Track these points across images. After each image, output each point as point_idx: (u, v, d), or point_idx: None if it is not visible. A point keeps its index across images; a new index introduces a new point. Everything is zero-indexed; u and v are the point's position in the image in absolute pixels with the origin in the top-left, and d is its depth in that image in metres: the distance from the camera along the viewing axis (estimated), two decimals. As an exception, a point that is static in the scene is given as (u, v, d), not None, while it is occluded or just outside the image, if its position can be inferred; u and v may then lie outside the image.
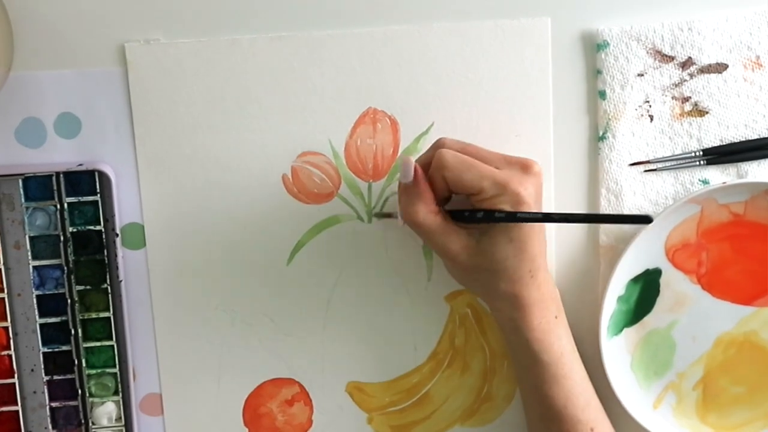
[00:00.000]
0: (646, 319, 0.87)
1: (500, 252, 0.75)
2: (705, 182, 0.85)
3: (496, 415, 0.89)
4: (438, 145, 0.77)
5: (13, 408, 0.86)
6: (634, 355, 0.87)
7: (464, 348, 0.88)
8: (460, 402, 0.89)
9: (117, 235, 0.84)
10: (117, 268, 0.85)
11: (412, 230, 0.78)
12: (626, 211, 0.85)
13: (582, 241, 0.86)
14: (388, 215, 0.85)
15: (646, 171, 0.85)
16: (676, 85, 0.83)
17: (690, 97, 0.84)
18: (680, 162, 0.84)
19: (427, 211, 0.75)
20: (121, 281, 0.85)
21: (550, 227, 0.85)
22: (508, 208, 0.73)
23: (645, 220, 0.68)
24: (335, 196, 0.85)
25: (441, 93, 0.83)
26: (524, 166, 0.75)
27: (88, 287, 0.84)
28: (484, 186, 0.73)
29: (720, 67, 0.83)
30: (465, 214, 0.76)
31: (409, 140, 0.84)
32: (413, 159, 0.75)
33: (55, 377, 0.86)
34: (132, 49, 0.82)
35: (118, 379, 0.86)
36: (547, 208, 0.85)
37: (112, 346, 0.86)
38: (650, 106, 0.84)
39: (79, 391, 0.86)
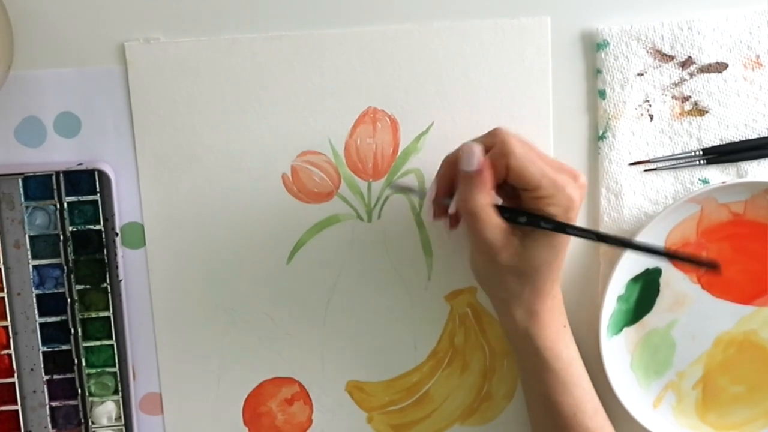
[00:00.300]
0: (646, 318, 0.87)
1: (540, 256, 0.74)
2: (705, 182, 0.85)
3: (495, 414, 0.89)
4: (497, 133, 0.74)
5: (12, 407, 0.86)
6: (634, 354, 0.87)
7: (464, 347, 0.88)
8: (460, 401, 0.89)
9: (117, 234, 0.84)
10: (117, 267, 0.85)
11: (431, 217, 0.79)
12: (626, 211, 0.85)
13: (582, 241, 0.86)
14: (408, 190, 0.84)
15: (646, 170, 0.85)
16: (676, 85, 0.83)
17: (690, 97, 0.84)
18: (680, 161, 0.84)
19: (487, 202, 0.73)
20: (120, 280, 0.85)
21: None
22: (559, 210, 0.72)
23: (712, 266, 0.67)
24: (335, 195, 0.85)
25: (441, 92, 0.83)
26: (574, 176, 0.74)
27: (87, 286, 0.84)
28: (543, 183, 0.72)
29: (720, 67, 0.83)
30: (521, 218, 0.74)
31: (409, 140, 0.84)
32: (477, 146, 0.72)
33: (55, 376, 0.86)
34: (132, 48, 0.82)
35: (118, 379, 0.86)
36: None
37: (112, 345, 0.86)
38: (650, 105, 0.84)
39: (79, 391, 0.86)
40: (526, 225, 0.74)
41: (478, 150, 0.72)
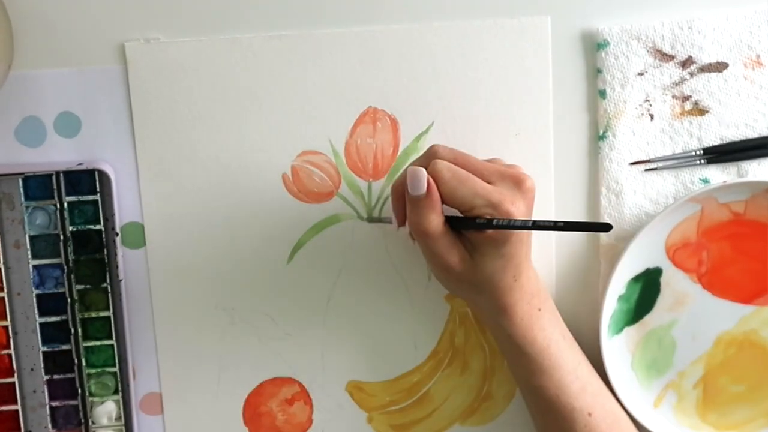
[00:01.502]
0: (646, 318, 0.87)
1: (489, 266, 0.75)
2: (705, 181, 0.85)
3: (496, 414, 0.89)
4: (430, 153, 0.75)
5: (12, 407, 0.86)
6: (635, 354, 0.87)
7: (464, 347, 0.88)
8: (460, 401, 0.89)
9: (117, 234, 0.84)
10: (117, 267, 0.85)
11: (406, 234, 0.79)
12: (626, 211, 0.85)
13: (582, 241, 0.86)
14: (381, 220, 0.85)
15: (646, 170, 0.85)
16: (676, 84, 0.83)
17: (690, 96, 0.84)
18: (680, 161, 0.84)
19: (438, 222, 0.74)
20: (121, 280, 0.85)
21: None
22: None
23: (604, 228, 0.67)
24: (335, 195, 0.85)
25: (441, 92, 0.83)
26: (517, 182, 0.74)
27: (87, 286, 0.84)
28: (476, 203, 0.72)
29: (720, 66, 0.83)
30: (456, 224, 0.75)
31: (409, 139, 0.84)
32: (423, 171, 0.73)
33: (55, 376, 0.86)
34: (132, 48, 0.82)
35: (118, 379, 0.86)
36: (547, 207, 0.85)
37: (112, 345, 0.86)
38: (650, 105, 0.84)
39: (79, 391, 0.86)
40: (464, 229, 0.75)
41: (422, 174, 0.73)
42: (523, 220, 0.72)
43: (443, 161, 0.74)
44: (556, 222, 0.70)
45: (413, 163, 0.76)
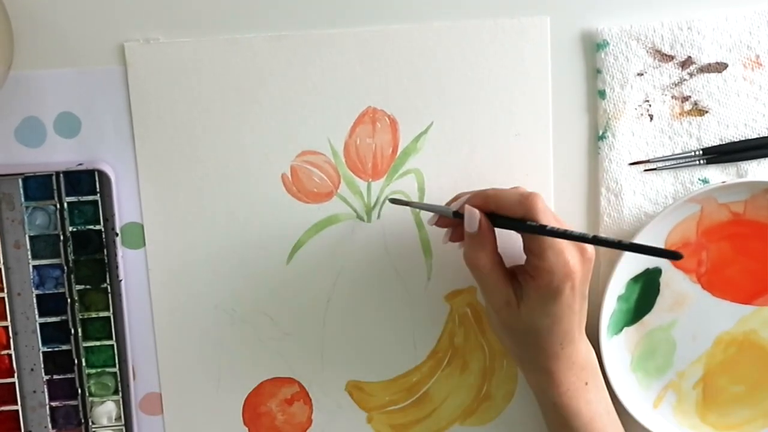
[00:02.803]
0: (646, 318, 0.87)
1: (536, 322, 0.75)
2: (705, 181, 0.85)
3: (495, 414, 0.89)
4: (533, 203, 0.73)
5: (12, 407, 0.86)
6: (634, 354, 0.87)
7: (464, 347, 0.88)
8: (460, 401, 0.89)
9: (117, 234, 0.84)
10: (117, 267, 0.85)
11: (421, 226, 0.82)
12: (626, 211, 0.85)
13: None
14: (407, 203, 0.84)
15: (645, 170, 0.85)
16: (675, 85, 0.83)
17: (690, 97, 0.84)
18: (680, 161, 0.84)
19: (486, 261, 0.75)
20: (120, 281, 0.85)
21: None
22: (556, 280, 0.73)
23: (674, 256, 0.67)
24: (334, 195, 0.85)
25: (440, 92, 0.83)
26: (581, 249, 0.74)
27: (87, 287, 0.84)
28: (548, 255, 0.72)
29: (720, 67, 0.83)
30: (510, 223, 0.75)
31: (408, 139, 0.84)
32: (476, 211, 0.74)
33: (55, 377, 0.86)
34: (131, 48, 0.82)
35: (118, 379, 0.86)
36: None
37: (112, 345, 0.86)
38: (650, 105, 0.84)
39: (79, 391, 0.86)
40: (513, 230, 0.75)
41: (477, 215, 0.74)
42: (582, 233, 0.71)
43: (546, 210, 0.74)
44: (620, 240, 0.69)
45: (510, 192, 0.76)
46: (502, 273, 0.76)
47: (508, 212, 0.74)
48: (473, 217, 0.74)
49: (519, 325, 0.76)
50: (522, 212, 0.73)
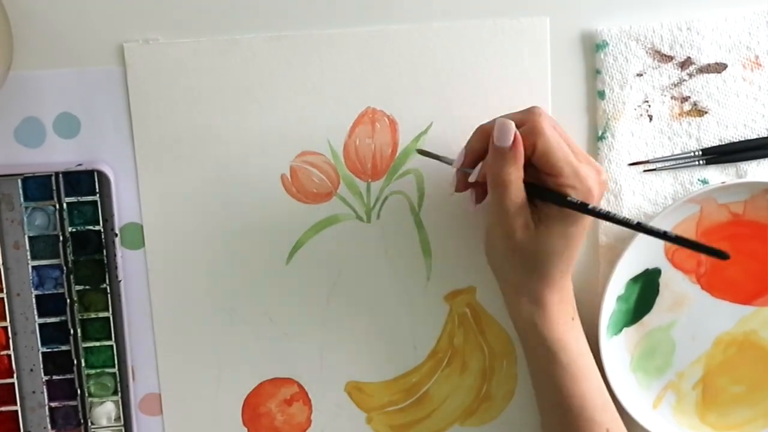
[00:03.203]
0: (645, 318, 0.87)
1: (552, 243, 0.75)
2: (704, 182, 0.85)
3: (495, 415, 0.89)
4: (532, 110, 0.75)
5: (12, 408, 0.86)
6: (634, 354, 0.87)
7: (463, 347, 0.88)
8: (460, 401, 0.89)
9: (116, 235, 0.84)
10: (116, 268, 0.85)
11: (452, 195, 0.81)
12: (625, 212, 0.85)
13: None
14: (438, 158, 0.82)
15: (645, 171, 0.85)
16: (675, 85, 0.84)
17: (689, 97, 0.84)
18: (679, 162, 0.84)
19: (516, 176, 0.74)
20: (120, 281, 0.85)
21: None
22: (577, 198, 0.73)
23: (720, 255, 0.67)
24: (334, 195, 0.85)
25: (440, 92, 0.83)
26: (597, 170, 0.75)
27: (87, 287, 0.84)
28: (565, 170, 0.73)
29: (719, 67, 0.83)
30: (547, 196, 0.75)
31: (408, 140, 0.84)
32: (511, 123, 0.73)
33: (55, 377, 0.86)
34: (131, 49, 0.82)
35: (118, 379, 0.86)
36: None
37: (112, 346, 0.86)
38: (649, 105, 0.84)
39: (78, 391, 0.86)
40: (551, 201, 0.75)
41: (512, 127, 0.73)
42: (626, 218, 0.72)
43: (548, 120, 0.74)
44: (666, 232, 0.69)
45: (510, 116, 0.76)
46: (525, 193, 0.75)
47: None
48: (509, 130, 0.73)
49: (533, 246, 0.75)
50: (530, 141, 0.73)
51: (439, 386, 0.89)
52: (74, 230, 0.83)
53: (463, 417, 0.89)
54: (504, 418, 0.89)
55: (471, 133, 0.77)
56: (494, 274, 0.82)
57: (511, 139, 0.73)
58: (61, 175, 0.82)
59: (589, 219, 0.76)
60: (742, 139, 0.84)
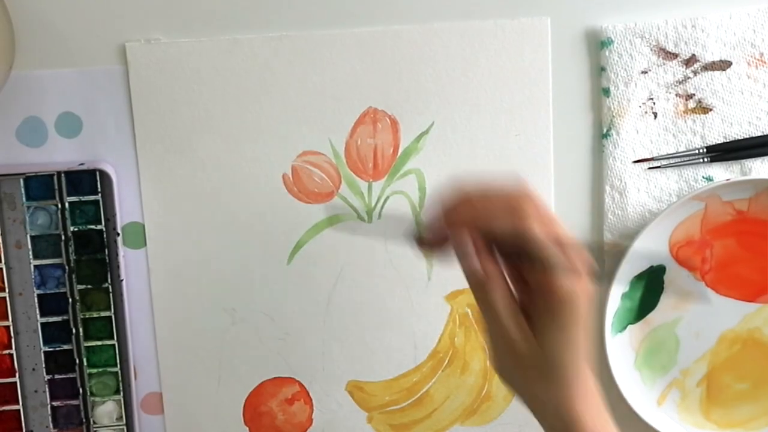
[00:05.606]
0: (650, 316, 0.87)
1: (553, 340, 0.65)
2: (709, 179, 0.84)
3: (496, 415, 0.90)
4: (520, 204, 0.63)
5: (14, 407, 0.86)
6: (639, 352, 0.87)
7: (464, 347, 0.88)
8: (460, 401, 0.89)
9: (118, 234, 0.84)
10: (118, 267, 0.85)
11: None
12: (630, 209, 0.85)
13: (586, 238, 0.86)
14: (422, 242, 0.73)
15: (650, 168, 0.85)
16: (680, 83, 0.83)
17: (694, 94, 0.83)
18: (684, 159, 0.84)
19: (505, 299, 0.65)
20: (122, 280, 0.85)
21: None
22: (566, 286, 0.64)
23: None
24: (335, 195, 0.85)
25: (441, 92, 0.83)
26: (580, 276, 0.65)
27: (89, 286, 0.85)
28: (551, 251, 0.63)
29: (724, 65, 0.83)
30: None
31: (409, 140, 0.84)
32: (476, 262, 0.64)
33: (57, 376, 0.86)
34: (133, 48, 0.82)
35: (119, 378, 0.87)
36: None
37: (113, 345, 0.86)
38: (654, 103, 0.83)
39: (80, 390, 0.86)
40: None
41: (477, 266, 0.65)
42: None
43: (535, 207, 0.64)
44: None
45: (491, 189, 0.65)
46: (517, 307, 0.66)
47: (496, 224, 0.64)
48: (475, 269, 0.65)
49: (538, 356, 0.66)
50: (511, 222, 0.63)
51: (440, 386, 0.89)
52: (76, 229, 0.84)
53: (464, 417, 0.90)
54: (504, 418, 0.90)
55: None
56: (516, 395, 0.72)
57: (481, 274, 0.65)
58: (63, 175, 0.83)
59: (578, 308, 0.64)
60: (747, 136, 0.84)
